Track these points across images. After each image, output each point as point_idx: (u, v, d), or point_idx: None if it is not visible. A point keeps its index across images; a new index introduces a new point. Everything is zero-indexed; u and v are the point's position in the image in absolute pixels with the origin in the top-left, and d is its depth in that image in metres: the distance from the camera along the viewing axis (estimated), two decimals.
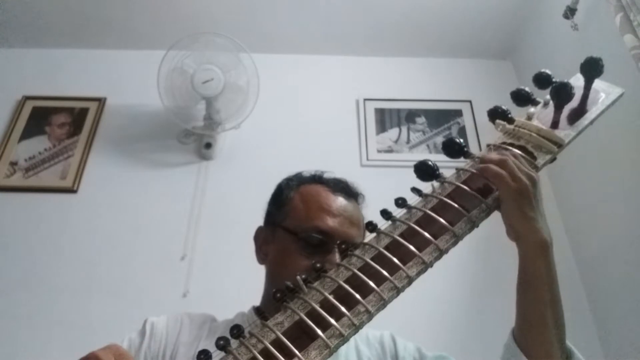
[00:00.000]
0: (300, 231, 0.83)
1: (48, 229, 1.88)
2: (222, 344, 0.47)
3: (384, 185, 1.96)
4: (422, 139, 2.15)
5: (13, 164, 2.04)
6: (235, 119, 2.02)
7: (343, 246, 0.58)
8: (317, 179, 0.93)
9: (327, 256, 0.80)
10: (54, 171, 2.02)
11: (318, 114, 2.18)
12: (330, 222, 0.84)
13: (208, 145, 2.05)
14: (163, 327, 0.84)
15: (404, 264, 0.53)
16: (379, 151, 2.10)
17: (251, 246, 0.95)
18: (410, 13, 2.19)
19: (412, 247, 0.55)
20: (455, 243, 0.57)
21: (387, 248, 0.56)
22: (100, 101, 2.20)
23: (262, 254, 0.91)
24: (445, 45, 2.33)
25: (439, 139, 2.14)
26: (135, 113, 2.18)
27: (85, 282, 1.75)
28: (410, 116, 2.21)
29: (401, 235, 0.57)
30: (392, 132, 2.16)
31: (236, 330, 0.48)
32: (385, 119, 2.19)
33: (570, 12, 1.78)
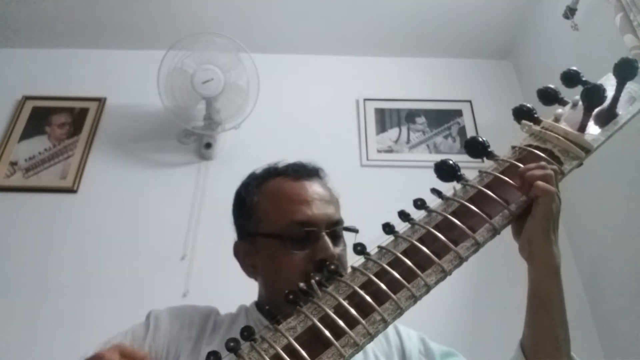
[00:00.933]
0: (281, 231, 0.79)
1: (48, 229, 1.87)
2: (233, 346, 0.45)
3: (384, 185, 1.98)
4: (422, 139, 2.14)
5: (13, 164, 2.04)
6: (235, 119, 2.02)
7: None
8: (273, 173, 0.89)
9: (317, 245, 0.78)
10: (54, 171, 2.02)
11: (318, 114, 2.18)
12: (307, 210, 0.80)
13: (208, 145, 2.05)
14: (167, 321, 0.82)
15: (423, 271, 0.51)
16: (379, 151, 2.10)
17: (237, 262, 0.94)
18: (410, 13, 2.19)
19: (430, 254, 0.52)
20: (476, 250, 0.54)
21: (404, 253, 0.53)
22: (100, 101, 2.20)
23: (250, 268, 0.87)
24: (445, 45, 2.33)
25: (439, 139, 2.14)
26: (135, 113, 2.18)
27: (85, 282, 1.75)
28: (410, 116, 2.21)
29: (420, 239, 0.54)
30: (392, 132, 2.16)
31: (247, 332, 0.46)
32: (385, 119, 2.19)
33: (570, 12, 1.78)
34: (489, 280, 1.75)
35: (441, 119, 2.20)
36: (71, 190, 1.97)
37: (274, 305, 0.85)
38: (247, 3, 2.17)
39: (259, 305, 0.88)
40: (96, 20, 2.23)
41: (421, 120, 2.20)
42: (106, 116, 2.18)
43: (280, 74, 2.26)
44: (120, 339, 0.78)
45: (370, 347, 0.80)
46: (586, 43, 1.77)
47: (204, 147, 2.05)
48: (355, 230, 0.84)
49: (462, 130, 2.15)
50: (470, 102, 2.22)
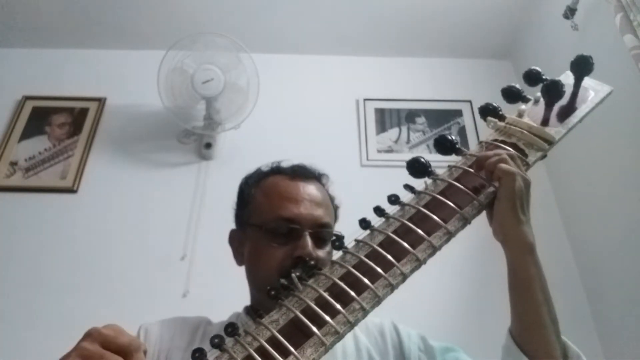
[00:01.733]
0: (267, 224, 0.84)
1: (48, 229, 1.87)
2: (217, 342, 0.47)
3: (384, 185, 1.97)
4: (422, 139, 2.15)
5: (13, 164, 2.04)
6: (235, 119, 2.02)
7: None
8: (274, 170, 0.93)
9: (298, 243, 0.80)
10: (54, 171, 2.02)
11: (318, 114, 2.18)
12: (294, 208, 0.83)
13: (208, 145, 2.05)
14: (157, 333, 0.83)
15: (398, 261, 0.54)
16: (379, 151, 2.10)
17: (230, 248, 0.95)
18: (410, 13, 2.19)
19: (405, 244, 0.55)
20: (448, 240, 0.57)
21: (381, 245, 0.56)
22: (100, 101, 2.20)
23: (240, 256, 0.92)
24: (445, 45, 2.33)
25: None
26: (135, 113, 2.18)
27: (85, 282, 1.75)
28: (410, 116, 2.21)
29: (395, 232, 0.58)
30: (392, 132, 2.16)
31: (231, 329, 0.48)
32: (385, 119, 2.20)
33: (570, 12, 1.78)
34: (486, 277, 1.75)
35: (441, 119, 2.20)
36: (71, 190, 1.97)
37: (255, 298, 0.87)
38: (247, 3, 2.17)
39: (251, 309, 0.90)
40: (96, 20, 2.23)
41: (421, 120, 2.20)
42: (106, 116, 2.18)
43: (280, 74, 2.26)
44: None
45: (364, 346, 0.82)
46: (586, 43, 1.77)
47: (204, 147, 2.05)
48: (341, 236, 0.86)
49: (462, 130, 2.15)
50: (470, 102, 2.22)
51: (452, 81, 2.30)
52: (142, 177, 2.01)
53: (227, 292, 1.62)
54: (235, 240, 0.94)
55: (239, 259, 0.92)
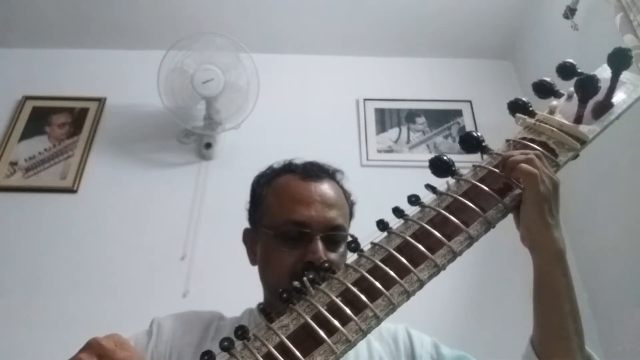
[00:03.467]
0: (277, 227, 0.81)
1: (48, 229, 1.87)
2: (226, 346, 0.46)
3: (384, 185, 1.97)
4: (422, 139, 2.14)
5: (13, 164, 2.04)
6: (235, 119, 2.02)
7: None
8: (286, 169, 0.90)
9: (308, 247, 0.78)
10: (54, 171, 2.02)
11: (318, 114, 2.18)
12: (305, 211, 0.80)
13: (208, 145, 2.05)
14: (170, 328, 0.82)
15: (416, 266, 0.51)
16: (379, 151, 2.10)
17: (245, 247, 0.95)
18: (410, 13, 2.19)
19: (424, 249, 0.52)
20: (469, 245, 0.54)
21: (398, 249, 0.53)
22: (100, 101, 2.20)
23: (253, 255, 0.90)
24: (445, 45, 2.33)
25: (439, 139, 2.14)
26: (135, 113, 2.18)
27: (85, 282, 1.75)
28: (410, 116, 2.21)
29: (413, 235, 0.54)
30: (392, 132, 2.16)
31: (240, 332, 0.47)
32: (385, 119, 2.19)
33: (570, 12, 1.78)
34: (489, 280, 1.75)
35: (441, 119, 2.20)
36: (71, 190, 1.97)
37: (267, 300, 0.86)
38: (247, 3, 2.17)
39: (262, 307, 0.89)
40: (96, 20, 2.23)
41: (421, 120, 2.20)
42: (106, 116, 2.18)
43: (280, 74, 2.26)
44: None
45: (377, 353, 0.80)
46: (586, 43, 1.77)
47: (204, 147, 2.05)
48: (354, 240, 0.84)
49: (462, 131, 2.15)
50: (470, 102, 2.22)
51: (452, 81, 2.30)
52: (142, 177, 2.01)
53: (227, 291, 1.62)
54: (249, 239, 0.92)
55: (252, 258, 0.90)
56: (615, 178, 1.62)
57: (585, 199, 1.78)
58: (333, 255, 0.80)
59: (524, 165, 0.59)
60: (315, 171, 0.88)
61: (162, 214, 1.91)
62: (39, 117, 2.16)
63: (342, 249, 0.83)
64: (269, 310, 0.50)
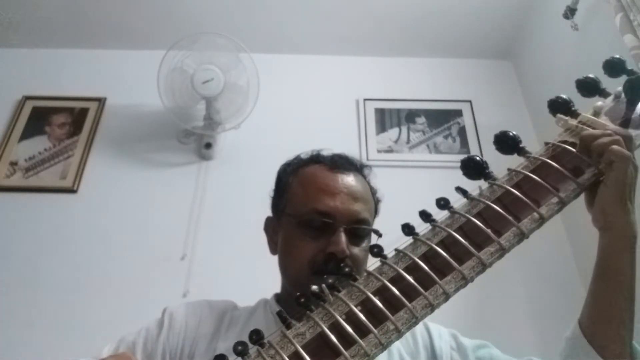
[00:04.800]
0: (302, 216, 0.80)
1: (48, 229, 1.87)
2: (240, 350, 0.44)
3: (384, 185, 1.97)
4: (422, 139, 2.14)
5: (13, 164, 2.04)
6: (235, 119, 2.02)
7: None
8: (314, 159, 0.89)
9: (331, 238, 0.77)
10: (54, 171, 2.02)
11: (318, 114, 2.18)
12: (330, 202, 0.79)
13: (208, 145, 2.04)
14: (182, 318, 0.81)
15: (442, 277, 0.48)
16: (379, 151, 2.10)
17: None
18: (410, 13, 2.19)
19: (451, 259, 0.49)
20: (501, 256, 0.50)
21: (423, 257, 0.50)
22: (100, 101, 2.20)
23: (273, 244, 0.89)
24: (445, 45, 2.33)
25: (439, 139, 2.14)
26: (135, 113, 2.18)
27: (85, 281, 1.75)
28: (410, 116, 2.21)
29: (440, 243, 0.51)
30: (392, 132, 2.16)
31: (255, 336, 0.45)
32: (385, 119, 2.19)
33: (570, 12, 1.78)
34: (489, 279, 1.75)
35: (441, 119, 2.20)
36: (71, 190, 1.97)
37: (285, 290, 0.85)
38: (247, 3, 2.17)
39: (279, 297, 0.87)
40: (96, 20, 2.23)
41: (421, 120, 2.20)
42: (106, 116, 2.18)
43: (280, 74, 2.26)
44: (134, 337, 0.78)
45: (395, 347, 0.78)
46: (586, 43, 1.77)
47: (204, 147, 2.05)
48: (378, 234, 0.82)
49: (462, 130, 2.15)
50: (470, 102, 2.21)
51: (452, 81, 2.30)
52: (142, 177, 2.01)
53: (227, 291, 1.62)
54: (270, 228, 0.91)
55: (273, 247, 0.89)
56: None
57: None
58: (356, 250, 0.78)
59: (616, 147, 0.57)
60: (343, 163, 0.88)
61: (162, 214, 1.91)
62: (39, 117, 2.16)
63: (365, 244, 0.81)
64: (285, 311, 0.48)
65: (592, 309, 0.64)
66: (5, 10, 2.16)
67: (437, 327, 0.84)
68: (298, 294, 0.48)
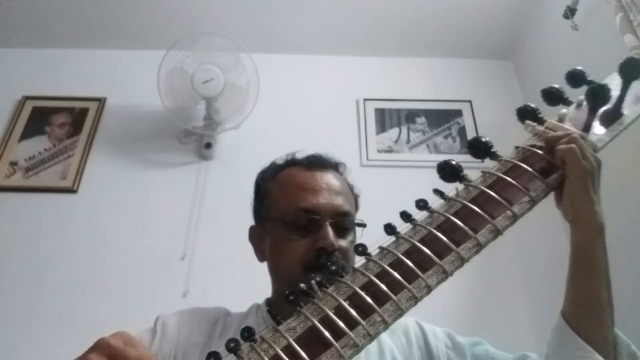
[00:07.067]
0: (286, 216, 0.82)
1: (48, 229, 1.87)
2: (233, 347, 0.46)
3: (384, 185, 1.97)
4: (422, 139, 2.14)
5: (13, 164, 2.04)
6: (235, 119, 2.02)
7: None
8: (290, 162, 0.91)
9: (318, 233, 0.79)
10: (54, 171, 2.02)
11: (318, 114, 2.18)
12: (313, 199, 0.81)
13: (208, 145, 2.04)
14: (174, 326, 0.81)
15: (424, 272, 0.51)
16: (379, 151, 2.10)
17: (251, 246, 0.95)
18: (410, 13, 2.19)
19: (432, 255, 0.52)
20: (478, 251, 0.54)
21: (405, 254, 0.53)
22: (100, 101, 2.20)
23: (260, 252, 0.90)
24: (445, 45, 2.33)
25: (439, 139, 2.14)
26: (135, 113, 2.18)
27: (85, 282, 1.75)
28: (410, 116, 2.21)
29: (421, 241, 0.54)
30: (392, 132, 2.16)
31: (247, 333, 0.47)
32: (385, 119, 2.19)
33: (570, 12, 1.78)
34: (490, 279, 1.75)
35: (441, 119, 2.20)
36: (71, 190, 1.97)
37: (277, 293, 0.86)
38: (247, 3, 2.17)
39: (270, 302, 0.88)
40: (96, 20, 2.23)
41: (421, 120, 2.20)
42: (106, 116, 2.18)
43: (280, 74, 2.26)
44: None
45: (388, 347, 0.79)
46: (586, 43, 1.77)
47: (204, 147, 2.05)
48: (363, 225, 0.86)
49: (462, 130, 2.15)
50: (470, 102, 2.21)
51: (452, 81, 2.30)
52: (142, 177, 2.01)
53: (227, 291, 1.62)
54: (255, 236, 0.92)
55: (260, 255, 0.90)
56: (615, 177, 1.62)
57: None
58: (343, 242, 0.80)
59: (564, 146, 0.62)
60: (319, 161, 0.90)
61: (162, 214, 1.91)
62: (39, 117, 2.16)
63: (351, 237, 0.83)
64: (275, 312, 0.50)
65: (573, 299, 0.67)
66: (6, 10, 2.16)
67: (432, 327, 0.85)
68: (287, 292, 0.50)
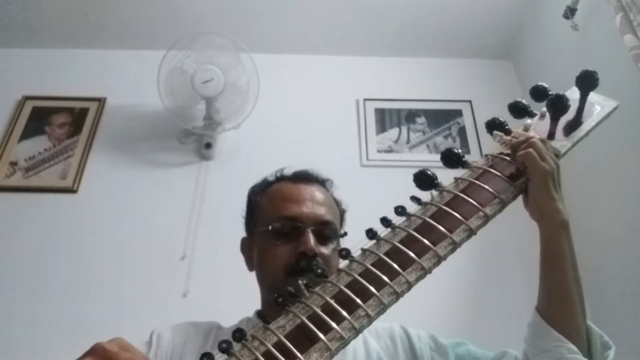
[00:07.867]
0: (271, 225, 0.86)
1: (48, 229, 1.87)
2: (225, 347, 0.48)
3: (384, 185, 1.97)
4: (422, 139, 2.15)
5: (13, 164, 2.04)
6: (235, 119, 2.02)
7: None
8: (278, 178, 0.97)
9: (300, 239, 0.83)
10: (54, 171, 2.02)
11: (318, 114, 2.18)
12: (296, 208, 0.86)
13: (208, 145, 2.05)
14: (169, 338, 0.85)
15: (404, 269, 0.55)
16: (379, 151, 2.10)
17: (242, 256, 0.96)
18: (410, 13, 2.19)
19: (411, 254, 0.56)
20: (453, 250, 0.58)
21: (387, 254, 0.57)
22: (100, 101, 2.20)
23: (250, 261, 0.94)
24: (445, 45, 2.33)
25: (439, 139, 2.14)
26: (135, 113, 2.18)
27: (85, 282, 1.75)
28: (410, 116, 2.21)
29: (401, 241, 0.58)
30: (392, 132, 2.16)
31: (238, 334, 0.49)
32: (385, 119, 2.19)
33: (570, 12, 1.78)
34: (486, 277, 1.75)
35: (441, 119, 2.20)
36: (71, 190, 1.97)
37: (265, 301, 0.88)
38: (247, 3, 2.17)
39: (261, 313, 0.90)
40: (96, 20, 2.24)
41: (421, 120, 2.20)
42: (106, 116, 2.18)
43: (280, 74, 2.26)
44: None
45: (374, 350, 0.83)
46: (586, 43, 1.77)
47: (204, 147, 2.05)
48: (342, 234, 0.91)
49: (462, 130, 2.15)
50: (470, 102, 2.22)
51: (452, 81, 2.30)
52: (142, 177, 2.01)
53: (227, 292, 1.63)
54: (246, 247, 0.97)
55: (250, 264, 0.94)
56: (615, 177, 1.62)
57: (585, 198, 1.77)
58: (324, 249, 0.84)
59: (523, 151, 0.67)
60: (305, 176, 0.95)
61: (162, 214, 1.91)
62: (39, 117, 2.16)
63: (333, 245, 0.87)
64: (264, 314, 0.52)
65: (545, 294, 0.71)
66: (6, 10, 2.17)
67: (416, 330, 0.89)
68: (276, 295, 0.53)
